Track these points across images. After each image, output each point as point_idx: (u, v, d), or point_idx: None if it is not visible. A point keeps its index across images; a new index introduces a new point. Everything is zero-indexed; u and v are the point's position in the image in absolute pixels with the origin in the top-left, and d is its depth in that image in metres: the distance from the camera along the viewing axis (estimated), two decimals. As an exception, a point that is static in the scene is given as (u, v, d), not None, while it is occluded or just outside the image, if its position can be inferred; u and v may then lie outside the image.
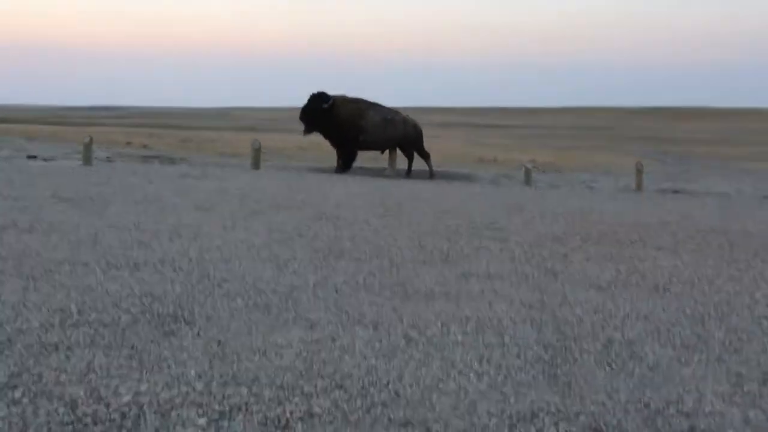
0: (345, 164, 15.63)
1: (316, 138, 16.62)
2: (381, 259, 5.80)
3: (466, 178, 16.72)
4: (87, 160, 13.27)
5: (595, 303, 4.68)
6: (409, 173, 16.08)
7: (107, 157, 15.53)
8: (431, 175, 16.01)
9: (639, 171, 16.49)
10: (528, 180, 15.78)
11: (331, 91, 15.63)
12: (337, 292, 4.72)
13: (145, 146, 20.63)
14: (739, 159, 39.09)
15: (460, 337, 3.86)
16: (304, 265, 5.43)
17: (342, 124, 15.33)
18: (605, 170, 23.00)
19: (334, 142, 15.77)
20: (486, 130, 68.62)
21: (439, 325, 4.08)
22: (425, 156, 16.25)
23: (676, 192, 16.54)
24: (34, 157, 15.14)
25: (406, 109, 16.76)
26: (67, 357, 3.31)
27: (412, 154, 16.25)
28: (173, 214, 7.57)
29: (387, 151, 16.34)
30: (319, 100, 15.39)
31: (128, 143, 21.47)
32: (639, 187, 16.23)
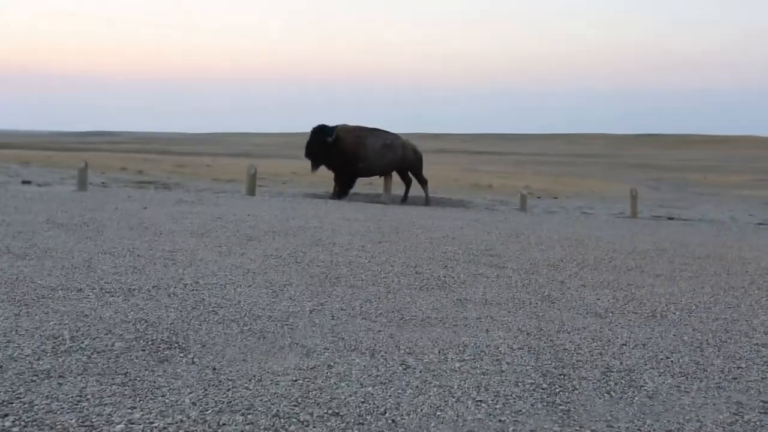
0: (342, 191, 15.61)
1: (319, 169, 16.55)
2: (377, 285, 5.77)
3: (462, 204, 16.73)
4: (82, 185, 13.23)
5: (593, 330, 4.65)
6: (405, 199, 16.08)
7: (102, 183, 15.50)
8: (427, 201, 16.01)
9: (633, 197, 16.50)
10: (523, 206, 15.78)
11: (327, 119, 15.65)
12: (333, 318, 4.69)
13: (140, 172, 20.61)
14: (732, 186, 39.32)
15: (457, 365, 3.83)
16: (300, 291, 5.40)
17: (344, 155, 15.32)
18: (600, 197, 23.05)
19: (334, 170, 15.75)
20: (480, 157, 68.97)
21: (437, 352, 4.05)
22: (422, 182, 16.25)
23: (670, 219, 16.55)
24: (29, 182, 15.10)
25: (401, 135, 16.76)
26: (59, 384, 3.27)
27: (410, 180, 16.24)
28: (168, 240, 7.54)
29: (383, 177, 16.35)
30: (321, 134, 15.31)
31: (123, 168, 21.46)
32: (634, 213, 16.23)
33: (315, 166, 15.57)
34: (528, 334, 4.50)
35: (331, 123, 15.58)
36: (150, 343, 3.96)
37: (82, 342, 3.89)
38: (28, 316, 4.34)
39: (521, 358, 3.99)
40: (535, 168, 52.47)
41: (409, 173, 16.31)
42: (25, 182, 15.00)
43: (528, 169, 49.75)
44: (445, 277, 6.28)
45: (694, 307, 5.50)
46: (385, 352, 3.99)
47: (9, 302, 4.65)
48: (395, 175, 16.30)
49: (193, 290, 5.25)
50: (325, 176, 18.82)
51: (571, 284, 6.25)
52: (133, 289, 5.17)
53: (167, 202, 11.38)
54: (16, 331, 4.03)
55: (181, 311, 4.64)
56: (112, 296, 4.95)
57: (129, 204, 10.80)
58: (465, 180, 26.81)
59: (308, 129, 15.58)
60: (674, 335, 4.61)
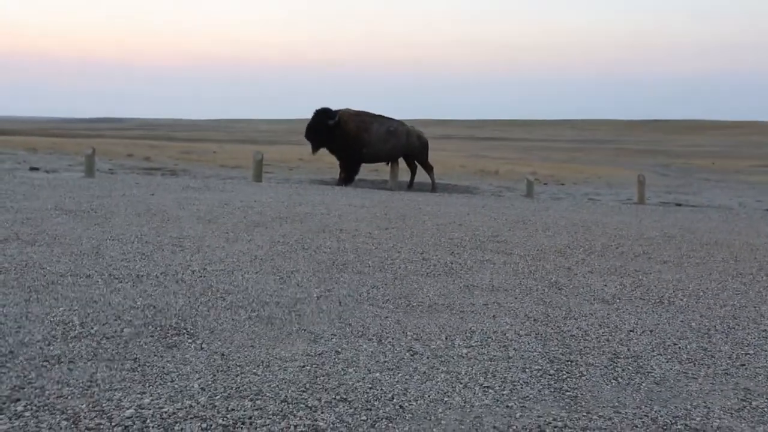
0: (348, 177, 15.60)
1: (319, 151, 16.53)
2: (384, 272, 5.78)
3: (468, 190, 16.71)
4: (89, 171, 13.27)
5: (600, 316, 4.65)
6: (411, 185, 16.06)
7: (109, 169, 15.54)
8: (433, 187, 16.00)
9: (641, 183, 16.43)
10: (530, 192, 15.75)
11: (333, 105, 15.57)
12: (340, 304, 4.70)
13: (147, 158, 20.63)
14: (740, 172, 39.16)
15: (464, 351, 3.84)
16: (308, 278, 5.41)
17: (347, 139, 15.27)
18: (607, 183, 22.98)
19: (338, 156, 15.73)
20: (486, 143, 68.77)
21: (444, 338, 4.06)
22: (428, 168, 16.22)
23: (678, 205, 16.50)
24: (37, 169, 15.14)
25: (406, 121, 16.72)
26: (70, 370, 3.29)
27: (416, 166, 16.22)
28: (176, 226, 7.56)
29: (389, 163, 16.33)
30: (323, 116, 15.26)
31: (129, 155, 21.48)
32: (641, 199, 16.18)
33: (315, 148, 15.51)
34: (535, 320, 4.50)
35: (335, 108, 15.53)
36: (159, 328, 3.98)
37: (92, 328, 3.91)
38: (38, 302, 4.37)
39: (528, 344, 4.00)
40: (542, 154, 52.31)
41: (415, 161, 16.28)
42: (32, 169, 15.04)
43: (534, 155, 49.61)
44: (452, 263, 6.28)
45: (701, 294, 5.49)
46: (393, 338, 4.00)
47: (19, 288, 4.67)
48: (401, 162, 16.27)
49: (201, 276, 5.27)
50: (332, 163, 18.81)
51: (578, 270, 6.25)
52: (142, 276, 5.19)
53: (174, 189, 11.40)
54: (27, 317, 4.05)
55: (189, 297, 4.65)
56: (121, 282, 4.97)
57: (136, 190, 10.82)
58: (471, 166, 26.75)
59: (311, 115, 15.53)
60: (682, 321, 4.61)
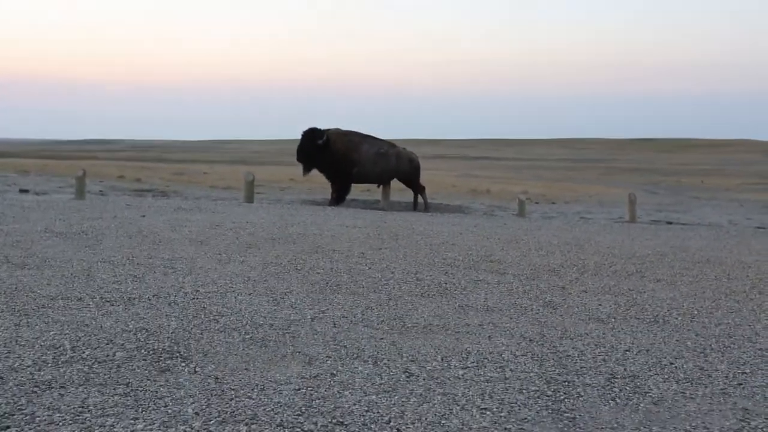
0: (339, 197, 15.58)
1: (311, 172, 16.48)
2: (378, 292, 5.75)
3: (460, 210, 16.71)
4: (80, 193, 13.21)
5: (596, 336, 4.63)
6: (416, 207, 15.98)
7: (100, 191, 15.48)
8: (426, 207, 15.99)
9: (632, 202, 16.49)
10: (522, 212, 15.77)
11: (324, 125, 15.58)
12: (335, 326, 4.67)
13: (137, 180, 20.57)
14: (730, 190, 39.37)
15: (461, 372, 3.80)
16: (301, 299, 5.38)
17: (337, 158, 15.27)
18: (598, 202, 23.05)
19: (328, 176, 15.72)
20: (478, 162, 68.95)
21: (439, 359, 4.03)
22: (420, 189, 16.21)
23: (669, 223, 16.54)
24: (27, 191, 15.06)
25: (397, 141, 16.73)
26: (61, 395, 3.24)
27: (415, 188, 16.19)
28: (167, 248, 7.51)
29: (380, 186, 16.32)
30: (312, 136, 15.27)
31: (120, 176, 21.42)
32: (632, 218, 16.22)
33: (307, 169, 15.53)
34: (531, 340, 4.48)
35: (325, 128, 15.54)
36: (151, 352, 3.93)
37: (83, 352, 3.86)
38: (28, 326, 4.32)
39: (525, 365, 3.97)
40: (533, 173, 52.45)
41: (405, 184, 16.25)
42: (22, 191, 14.97)
43: (526, 174, 49.75)
44: (446, 283, 6.26)
45: (696, 312, 5.48)
46: (388, 360, 3.97)
47: (9, 312, 4.62)
48: (394, 181, 16.26)
49: (193, 299, 5.23)
50: (323, 183, 18.78)
51: (572, 290, 6.24)
52: (133, 298, 5.14)
53: (165, 210, 11.35)
54: (17, 341, 4.00)
55: (182, 320, 4.61)
56: (113, 305, 4.92)
57: (127, 212, 10.77)
58: (463, 185, 26.80)
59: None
60: (677, 341, 4.60)
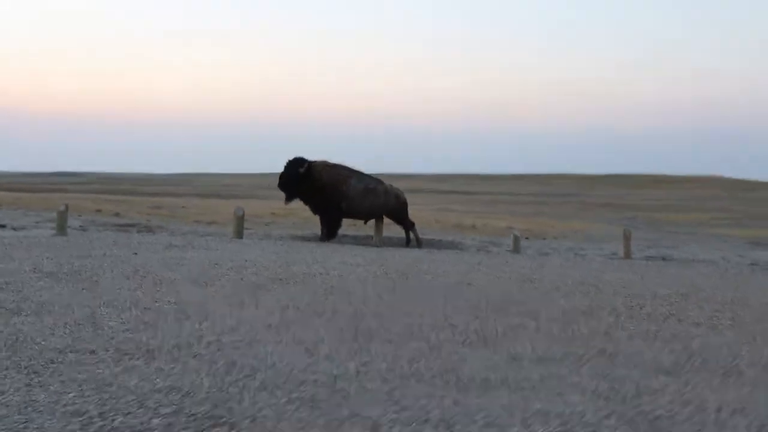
0: (330, 232, 15.11)
1: (292, 204, 16.02)
2: (416, 340, 5.28)
3: (454, 246, 16.32)
4: (61, 229, 12.57)
5: (674, 391, 4.21)
6: (408, 243, 15.57)
7: (80, 226, 14.81)
8: (418, 243, 15.57)
9: (627, 238, 16.24)
10: (517, 248, 15.43)
11: (292, 157, 15.13)
12: (384, 381, 4.19)
13: (116, 214, 19.90)
14: (702, 224, 39.65)
15: (550, 440, 3.35)
16: (336, 349, 4.89)
17: (324, 190, 14.86)
18: (585, 237, 22.88)
19: (316, 209, 15.24)
20: (452, 196, 68.88)
21: (518, 423, 3.57)
22: (409, 225, 15.80)
23: (663, 259, 16.33)
24: (3, 225, 14.35)
25: (374, 176, 16.25)
26: (102, 478, 2.72)
27: (405, 224, 15.78)
28: (170, 289, 6.98)
29: (366, 222, 15.89)
30: (295, 165, 14.95)
31: (98, 210, 20.73)
32: (627, 254, 15.96)
33: (288, 198, 15.15)
34: (606, 398, 4.04)
35: (312, 159, 15.13)
36: (192, 418, 3.42)
37: (114, 419, 3.34)
38: (41, 386, 3.78)
39: (616, 429, 3.52)
40: (507, 208, 52.43)
41: (394, 220, 15.86)
42: (0, 226, 14.25)
43: (501, 209, 49.68)
44: (481, 329, 5.81)
45: (764, 361, 5.09)
46: (462, 425, 3.50)
47: (15, 369, 4.07)
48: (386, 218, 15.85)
49: (218, 350, 4.72)
50: (307, 217, 18.29)
51: (615, 335, 5.83)
52: (152, 350, 4.62)
53: (156, 247, 10.78)
54: (32, 406, 3.46)
55: (214, 376, 4.10)
56: (132, 359, 4.39)
57: (117, 249, 10.18)
58: (446, 221, 26.50)
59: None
60: (766, 397, 4.19)
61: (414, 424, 3.49)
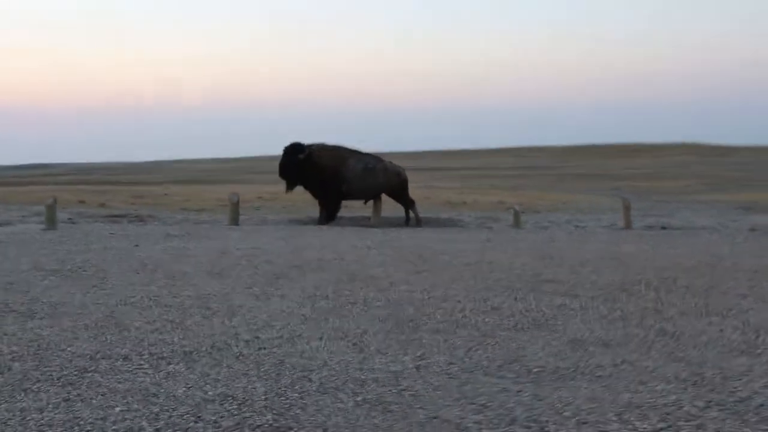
0: (330, 215, 14.73)
1: (278, 188, 15.54)
2: (464, 328, 4.96)
3: (453, 223, 16.00)
4: (51, 223, 12.04)
5: (764, 373, 3.92)
6: (408, 222, 15.22)
7: (69, 219, 14.26)
8: (418, 221, 15.24)
9: (627, 208, 16.03)
10: (517, 222, 15.16)
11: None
12: (450, 376, 3.86)
13: (102, 205, 19.30)
14: (682, 192, 39.70)
15: (657, 436, 3.04)
16: (384, 342, 4.55)
17: (323, 174, 14.48)
18: (578, 209, 22.66)
19: (316, 193, 14.87)
20: (429, 173, 68.41)
21: (613, 416, 3.26)
22: (410, 203, 15.46)
23: (663, 228, 16.15)
24: (-12, 221, 13.75)
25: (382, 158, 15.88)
26: None
27: (405, 203, 15.43)
28: (186, 283, 6.59)
29: (366, 201, 15.52)
30: (294, 151, 14.54)
31: (82, 201, 20.10)
32: (627, 224, 15.77)
33: (290, 186, 14.77)
34: (694, 384, 3.74)
35: (308, 143, 14.73)
36: (257, 430, 3.07)
37: (174, 437, 2.98)
38: (81, 401, 3.40)
39: (722, 420, 3.23)
40: (488, 182, 52.13)
41: (394, 198, 15.50)
42: (-16, 222, 13.65)
43: (480, 183, 49.41)
44: (527, 311, 5.50)
45: (835, 335, 4.83)
46: (554, 423, 3.18)
47: (46, 381, 3.69)
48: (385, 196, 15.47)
49: (260, 348, 4.36)
50: (296, 200, 17.84)
51: (667, 313, 5.54)
52: (190, 352, 4.25)
53: (155, 238, 10.34)
54: (79, 425, 3.09)
55: (266, 380, 3.74)
56: (170, 363, 4.02)
57: (115, 242, 9.74)
58: (436, 197, 26.15)
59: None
60: None
61: (503, 425, 3.17)
